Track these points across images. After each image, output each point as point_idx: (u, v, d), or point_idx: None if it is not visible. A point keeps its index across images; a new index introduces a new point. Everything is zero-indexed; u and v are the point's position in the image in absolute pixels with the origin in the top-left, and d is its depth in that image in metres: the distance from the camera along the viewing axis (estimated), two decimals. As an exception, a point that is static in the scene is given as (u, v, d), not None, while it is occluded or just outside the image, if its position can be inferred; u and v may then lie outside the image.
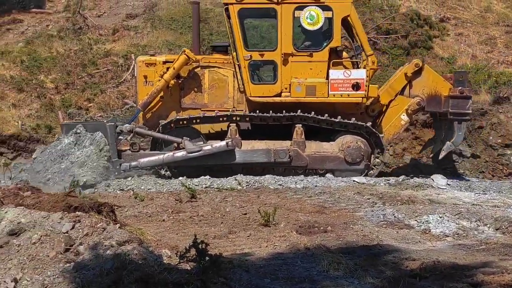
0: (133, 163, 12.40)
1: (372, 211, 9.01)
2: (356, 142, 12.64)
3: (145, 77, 13.23)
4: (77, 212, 6.31)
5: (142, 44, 19.62)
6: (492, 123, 15.53)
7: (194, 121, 12.89)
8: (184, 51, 13.00)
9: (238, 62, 12.97)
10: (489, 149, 15.22)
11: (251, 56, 12.90)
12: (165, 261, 5.61)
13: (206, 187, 10.92)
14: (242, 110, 13.06)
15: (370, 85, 12.75)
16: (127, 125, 12.80)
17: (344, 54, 13.60)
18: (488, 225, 8.17)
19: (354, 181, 11.50)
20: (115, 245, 5.53)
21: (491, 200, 10.09)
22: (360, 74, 12.64)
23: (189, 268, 4.78)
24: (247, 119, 12.93)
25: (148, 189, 10.98)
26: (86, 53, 19.25)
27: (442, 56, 19.88)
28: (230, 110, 13.01)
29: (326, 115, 12.63)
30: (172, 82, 13.05)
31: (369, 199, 9.86)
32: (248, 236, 7.47)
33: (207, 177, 12.02)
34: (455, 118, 12.91)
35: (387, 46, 19.80)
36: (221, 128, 13.07)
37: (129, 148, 12.86)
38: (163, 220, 8.51)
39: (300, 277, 5.74)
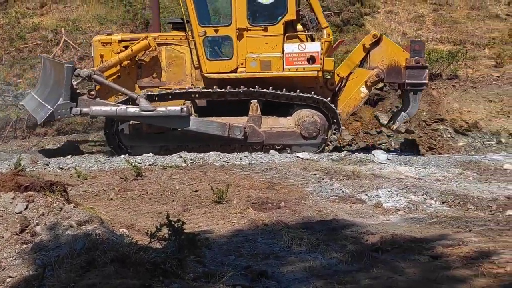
0: (85, 109, 12.22)
1: (320, 186, 9.08)
2: (312, 117, 12.64)
3: (101, 56, 13.00)
4: (29, 192, 6.09)
5: (72, 18, 19.05)
6: (425, 100, 15.88)
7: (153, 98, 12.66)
8: (147, 37, 12.79)
9: (193, 38, 12.78)
10: (423, 124, 15.58)
11: (205, 32, 12.75)
12: (126, 241, 5.49)
13: (150, 165, 10.75)
14: (198, 88, 12.90)
15: (325, 58, 12.66)
16: (85, 70, 12.59)
17: (299, 27, 13.44)
18: (435, 199, 8.36)
19: (298, 157, 11.54)
20: (74, 225, 5.37)
21: (432, 174, 10.33)
22: (315, 47, 12.57)
23: (160, 247, 4.68)
24: (204, 95, 12.78)
25: (90, 167, 10.71)
26: (13, 27, 18.56)
27: (374, 33, 20.11)
28: (190, 87, 12.88)
29: (285, 89, 12.60)
30: (126, 62, 12.85)
31: (315, 174, 9.93)
32: (203, 214, 7.41)
33: (150, 154, 11.85)
34: (411, 88, 12.97)
35: (321, 23, 19.89)
36: None
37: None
38: (111, 199, 8.32)
39: (264, 253, 5.73)
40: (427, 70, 13.07)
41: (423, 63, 12.95)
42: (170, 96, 12.74)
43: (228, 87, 12.56)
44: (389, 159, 11.73)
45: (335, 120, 12.88)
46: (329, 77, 13.25)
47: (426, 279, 4.99)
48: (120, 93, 12.79)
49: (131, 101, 12.56)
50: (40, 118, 12.28)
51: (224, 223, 6.96)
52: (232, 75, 12.78)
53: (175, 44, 13.14)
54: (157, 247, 4.65)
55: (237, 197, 8.22)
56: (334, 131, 12.94)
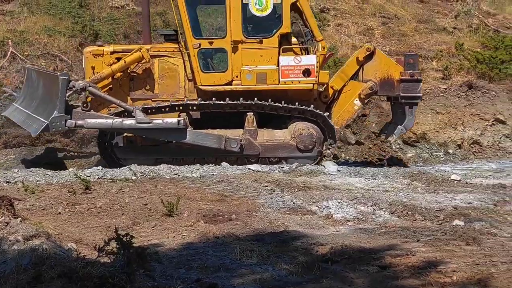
0: (79, 122, 12.07)
1: (271, 198, 9.08)
2: (308, 129, 12.67)
3: (93, 68, 12.79)
4: (-26, 207, 5.97)
5: (19, 30, 18.69)
6: (374, 112, 16.10)
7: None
8: (140, 49, 12.65)
9: (187, 50, 12.71)
10: (372, 136, 15.75)
11: (200, 44, 12.70)
12: (74, 255, 5.42)
13: (99, 178, 10.59)
14: (196, 100, 12.84)
15: (320, 71, 12.72)
16: (80, 82, 12.40)
17: (293, 40, 13.47)
18: (384, 209, 8.44)
19: (249, 169, 11.55)
20: (21, 240, 5.28)
21: (381, 185, 10.45)
22: (310, 60, 12.59)
23: (109, 261, 4.62)
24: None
25: (37, 181, 10.51)
26: (-42, 38, 18.14)
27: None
28: (183, 99, 12.83)
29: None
30: (119, 74, 12.69)
31: (266, 186, 9.93)
32: (153, 227, 7.34)
33: (99, 167, 11.71)
34: (406, 102, 13.06)
35: (271, 35, 19.99)
36: None
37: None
38: (59, 213, 8.15)
39: (215, 266, 5.71)
40: (421, 84, 13.21)
41: (417, 77, 13.06)
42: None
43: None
44: (339, 171, 11.81)
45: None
46: (322, 89, 13.21)
47: (375, 289, 5.06)
48: (112, 105, 12.68)
49: (126, 113, 12.47)
50: (35, 131, 12.07)
51: (174, 236, 6.91)
52: (228, 87, 12.75)
53: (168, 56, 13.04)
54: (105, 262, 4.59)
55: (188, 210, 8.18)
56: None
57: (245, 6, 12.74)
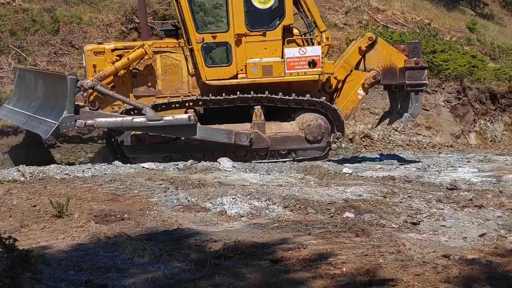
0: (89, 121, 11.86)
1: (166, 196, 9.00)
2: (316, 120, 12.70)
3: (94, 66, 12.58)
4: None
5: None
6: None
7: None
8: (143, 45, 12.47)
9: (190, 45, 12.56)
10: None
11: (203, 38, 12.56)
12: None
13: (-15, 180, 10.17)
14: (198, 95, 12.77)
15: (325, 62, 12.77)
16: (88, 80, 12.13)
17: (295, 31, 13.39)
18: (277, 204, 8.52)
19: (143, 167, 11.41)
20: None
21: (275, 180, 10.56)
22: (315, 51, 12.65)
23: (-9, 265, 4.43)
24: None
25: None
26: None
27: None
28: (185, 95, 12.79)
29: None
30: (122, 72, 12.47)
31: (161, 184, 9.83)
32: (42, 229, 7.11)
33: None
34: (412, 89, 13.09)
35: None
36: None
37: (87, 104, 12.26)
38: None
39: (106, 267, 5.60)
40: (426, 71, 13.27)
41: (422, 64, 13.14)
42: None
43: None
44: (234, 167, 11.87)
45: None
46: (325, 80, 13.25)
47: (267, 283, 5.10)
48: (115, 103, 12.55)
49: (133, 111, 12.34)
50: (45, 132, 11.83)
51: (64, 238, 6.71)
52: (234, 81, 12.72)
53: (170, 52, 12.95)
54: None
55: (78, 210, 7.96)
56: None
57: None
